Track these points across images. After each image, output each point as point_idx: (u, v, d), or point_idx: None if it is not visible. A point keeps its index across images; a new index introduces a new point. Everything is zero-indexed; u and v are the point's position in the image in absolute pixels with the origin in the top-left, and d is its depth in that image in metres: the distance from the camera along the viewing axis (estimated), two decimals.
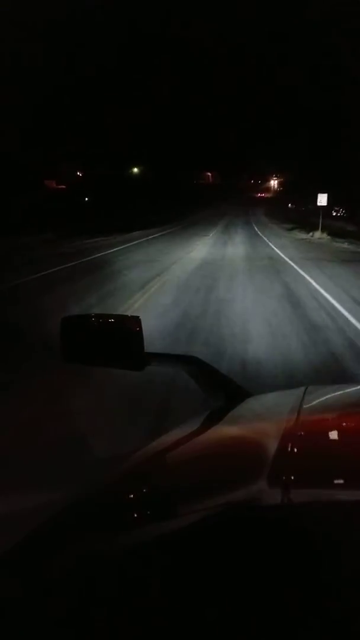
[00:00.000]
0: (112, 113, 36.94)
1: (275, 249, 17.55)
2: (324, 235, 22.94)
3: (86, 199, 34.90)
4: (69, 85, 28.90)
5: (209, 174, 77.22)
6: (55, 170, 37.85)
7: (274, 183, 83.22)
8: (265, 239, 22.12)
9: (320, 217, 23.46)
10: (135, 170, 52.95)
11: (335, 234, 22.49)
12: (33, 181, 28.47)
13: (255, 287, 9.20)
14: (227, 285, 9.37)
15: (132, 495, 0.80)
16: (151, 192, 43.76)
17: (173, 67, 43.13)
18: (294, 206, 45.58)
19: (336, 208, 33.60)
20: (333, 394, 1.36)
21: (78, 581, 0.53)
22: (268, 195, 77.96)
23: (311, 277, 10.36)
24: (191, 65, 44.45)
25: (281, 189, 74.40)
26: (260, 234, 25.64)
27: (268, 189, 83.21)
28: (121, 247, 17.57)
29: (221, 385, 1.29)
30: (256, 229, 30.29)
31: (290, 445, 0.83)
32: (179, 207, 43.05)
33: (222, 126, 64.98)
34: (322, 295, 8.40)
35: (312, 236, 23.65)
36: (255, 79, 51.07)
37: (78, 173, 44.09)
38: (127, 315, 1.39)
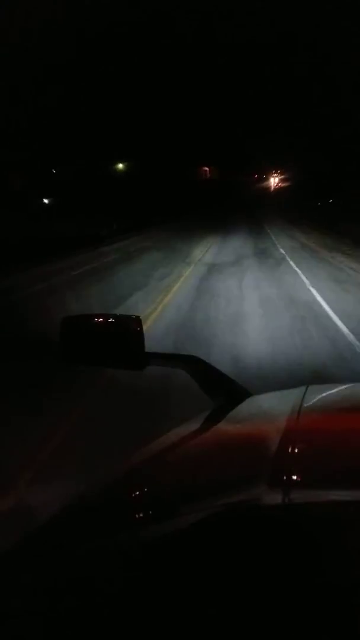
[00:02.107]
0: (96, 101, 33.00)
1: None
2: None
3: (45, 201, 30.80)
4: (46, 74, 24.90)
5: (206, 169, 73.06)
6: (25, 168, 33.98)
7: (274, 180, 78.69)
8: None
9: None
10: (120, 166, 48.45)
11: None
12: None
13: None
14: None
15: (133, 495, 0.82)
16: (132, 191, 39.27)
17: (167, 56, 39.15)
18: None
19: None
20: (333, 394, 1.36)
21: (78, 580, 0.55)
22: (286, 184, 71.06)
23: None
24: (186, 54, 40.40)
25: (283, 185, 69.98)
26: None
27: (269, 186, 78.75)
28: None
29: (221, 385, 1.30)
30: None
31: (290, 445, 0.85)
32: (161, 211, 35.32)
33: (220, 121, 61.01)
34: None
35: None
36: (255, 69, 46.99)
37: (53, 170, 40.11)
38: (127, 315, 1.40)
